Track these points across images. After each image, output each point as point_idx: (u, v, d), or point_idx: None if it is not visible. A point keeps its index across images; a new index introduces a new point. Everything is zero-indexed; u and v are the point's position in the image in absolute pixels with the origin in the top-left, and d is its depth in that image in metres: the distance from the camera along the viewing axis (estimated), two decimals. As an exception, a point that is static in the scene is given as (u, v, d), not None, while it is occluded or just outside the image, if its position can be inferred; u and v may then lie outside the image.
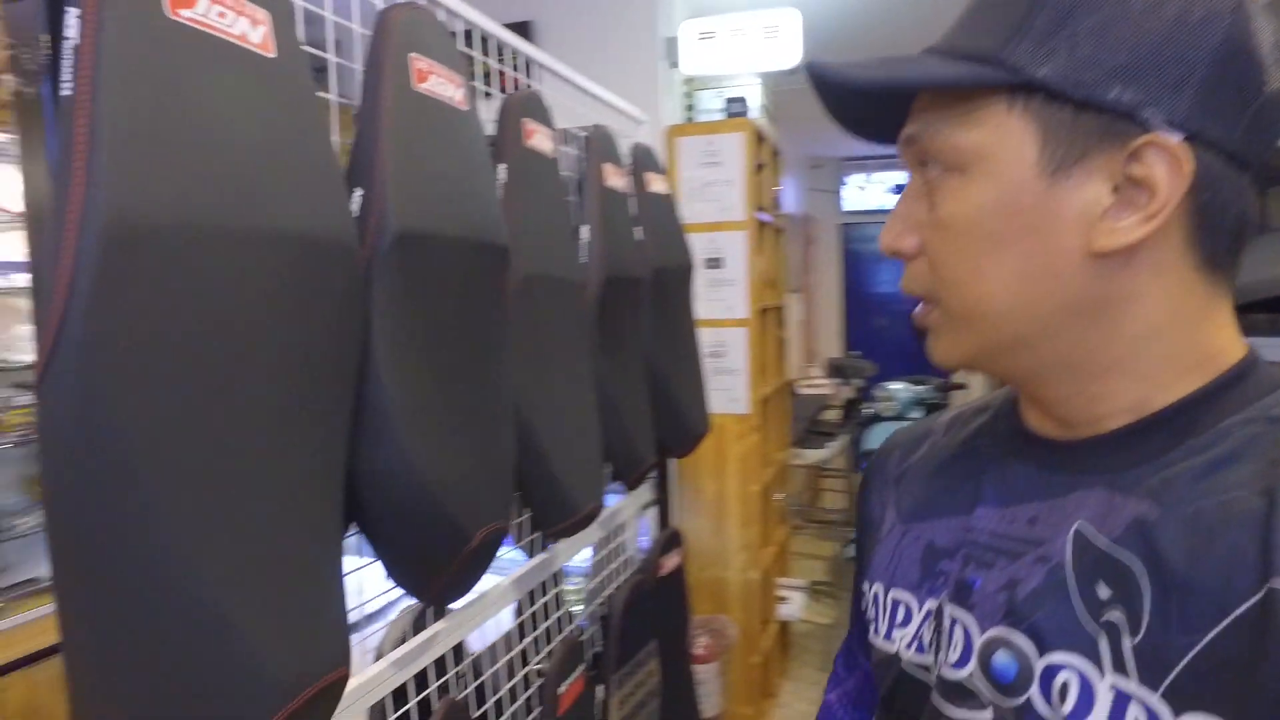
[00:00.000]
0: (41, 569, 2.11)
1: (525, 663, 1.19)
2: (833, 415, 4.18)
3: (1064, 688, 0.40)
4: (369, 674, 0.81)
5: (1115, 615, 0.39)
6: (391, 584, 0.79)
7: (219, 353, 0.52)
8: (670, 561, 1.63)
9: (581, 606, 1.48)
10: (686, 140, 2.32)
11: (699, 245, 2.30)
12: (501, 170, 1.02)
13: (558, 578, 1.31)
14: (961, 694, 0.45)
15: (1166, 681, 0.36)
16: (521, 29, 2.47)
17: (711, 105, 2.46)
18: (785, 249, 5.08)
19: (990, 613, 0.44)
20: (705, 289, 2.30)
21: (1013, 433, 0.50)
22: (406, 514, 0.74)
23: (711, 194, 2.29)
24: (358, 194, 0.71)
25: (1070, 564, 0.42)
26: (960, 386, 3.39)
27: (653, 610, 1.48)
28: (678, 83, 2.50)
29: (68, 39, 0.47)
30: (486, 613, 1.06)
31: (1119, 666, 0.38)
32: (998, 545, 0.46)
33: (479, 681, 1.05)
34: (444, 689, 0.96)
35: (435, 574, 0.78)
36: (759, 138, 2.45)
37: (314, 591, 0.59)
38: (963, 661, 0.45)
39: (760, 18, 2.33)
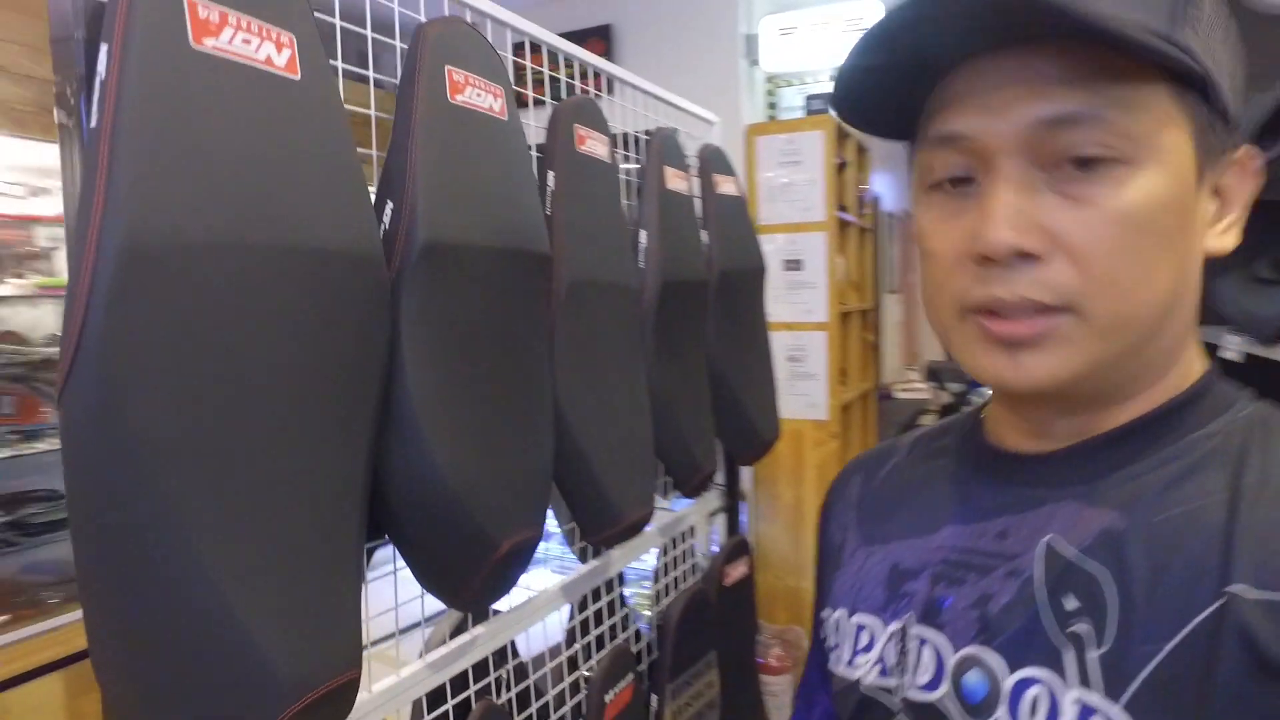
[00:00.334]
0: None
1: (576, 668, 1.20)
2: (930, 420, 3.99)
3: (1034, 703, 0.39)
4: (403, 675, 0.83)
5: (1082, 627, 0.39)
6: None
7: (235, 363, 0.54)
8: (736, 571, 1.59)
9: (649, 613, 1.47)
10: (765, 139, 2.28)
11: (778, 247, 2.25)
12: (550, 178, 1.03)
13: (612, 584, 1.31)
14: (931, 716, 0.44)
15: (1128, 693, 0.36)
16: (602, 32, 2.50)
17: (795, 103, 2.40)
18: (881, 248, 4.89)
19: (962, 631, 0.44)
20: (783, 291, 2.25)
21: (980, 451, 0.50)
22: (432, 521, 0.75)
23: (791, 194, 2.24)
24: (389, 207, 0.73)
25: (1041, 577, 0.41)
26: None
27: (714, 620, 1.46)
28: (759, 81, 2.46)
29: (99, 73, 0.50)
30: (532, 617, 1.07)
31: (1084, 679, 0.38)
32: (968, 561, 0.46)
33: (523, 685, 1.06)
34: (485, 692, 0.98)
35: (463, 581, 0.79)
36: (841, 135, 2.37)
37: (327, 595, 0.61)
38: (934, 684, 0.44)
39: (842, 10, 2.26)
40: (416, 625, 0.87)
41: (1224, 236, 0.42)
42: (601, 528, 1.05)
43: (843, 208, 2.46)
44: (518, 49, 1.14)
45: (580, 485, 1.02)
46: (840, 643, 0.52)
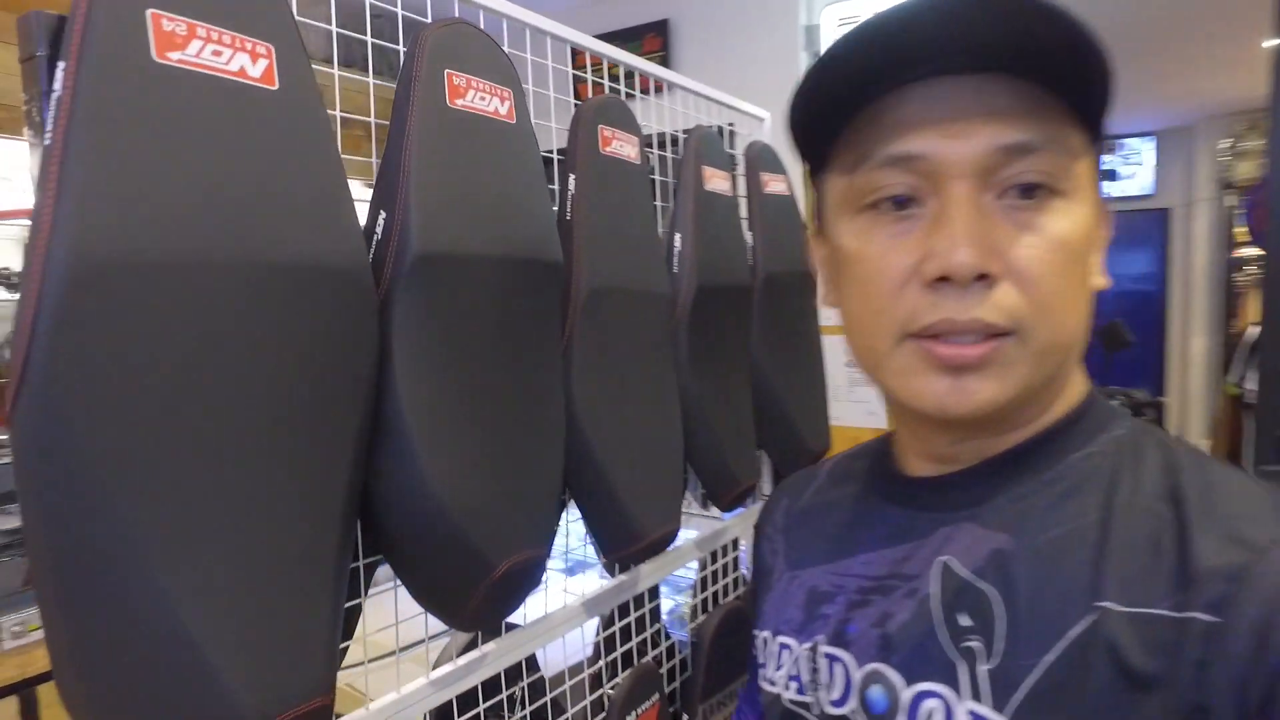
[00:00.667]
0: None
1: (601, 685, 1.16)
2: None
3: (930, 715, 0.41)
4: (404, 691, 0.81)
5: (974, 643, 0.41)
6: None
7: (193, 383, 0.53)
8: (779, 587, 1.53)
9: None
10: (825, 135, 2.18)
11: (837, 247, 2.16)
12: (571, 181, 0.99)
13: (642, 599, 1.27)
14: None
15: (1012, 705, 0.38)
16: (659, 27, 2.45)
17: (858, 96, 2.30)
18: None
19: (865, 649, 0.46)
20: (842, 294, 2.15)
21: (887, 477, 0.52)
22: (425, 540, 0.73)
23: (851, 192, 2.14)
24: (381, 217, 0.71)
25: (937, 596, 0.43)
26: (1152, 404, 2.93)
27: (753, 638, 1.40)
28: (822, 74, 2.36)
29: (54, 91, 0.49)
30: (551, 634, 1.04)
31: (975, 693, 0.40)
32: (873, 586, 0.48)
33: (539, 703, 1.04)
34: (496, 710, 0.96)
35: (459, 602, 0.76)
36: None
37: (297, 618, 0.59)
38: (843, 699, 0.47)
39: (909, -2, 2.14)
40: (420, 643, 0.85)
41: (1100, 276, 0.45)
42: (620, 546, 1.01)
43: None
44: (575, 56, 1.11)
45: (597, 501, 0.99)
46: (766, 661, 0.55)
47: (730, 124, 1.65)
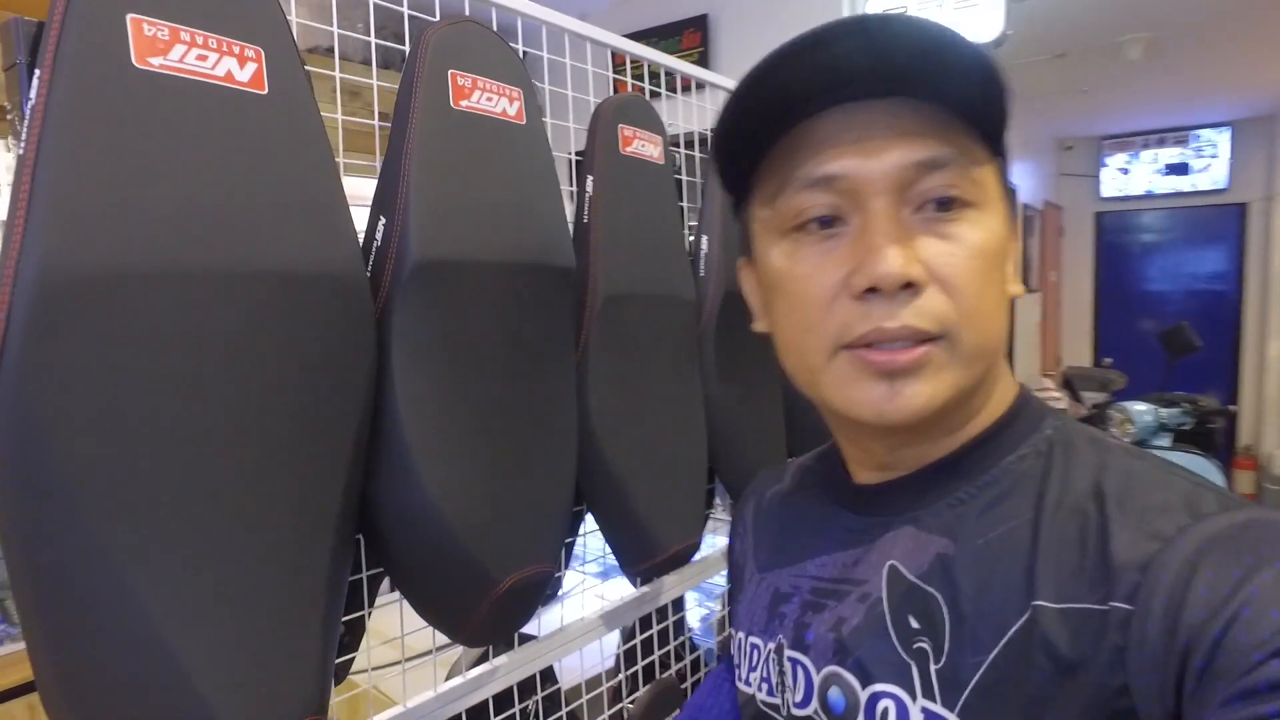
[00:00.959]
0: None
1: (621, 699, 1.13)
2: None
3: (884, 714, 0.43)
4: (409, 706, 0.80)
5: (924, 644, 0.43)
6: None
7: (172, 394, 0.52)
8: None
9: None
10: (868, 132, 2.11)
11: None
12: (589, 182, 0.97)
13: (666, 611, 1.24)
14: None
15: (960, 701, 0.40)
16: (699, 23, 2.41)
17: (904, 90, 2.22)
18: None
19: (823, 652, 0.48)
20: (886, 295, 2.08)
21: (838, 483, 0.54)
22: (425, 555, 0.71)
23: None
24: (381, 223, 0.70)
25: (886, 599, 0.45)
26: (1221, 412, 2.75)
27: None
28: (866, 68, 2.28)
29: (29, 100, 0.48)
30: (568, 647, 1.01)
31: (927, 691, 0.42)
32: (827, 589, 0.50)
33: (556, 717, 1.01)
34: (508, 723, 0.93)
35: (462, 618, 0.74)
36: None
37: (285, 635, 0.58)
38: (805, 701, 0.49)
39: (955, -13, 2.05)
40: (427, 654, 0.84)
41: (1016, 284, 0.47)
42: (639, 559, 0.98)
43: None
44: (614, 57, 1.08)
45: (614, 513, 0.96)
46: (740, 661, 0.56)
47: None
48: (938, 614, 0.43)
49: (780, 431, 1.36)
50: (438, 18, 0.77)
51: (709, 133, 1.28)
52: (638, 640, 1.17)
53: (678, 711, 1.12)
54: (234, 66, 0.57)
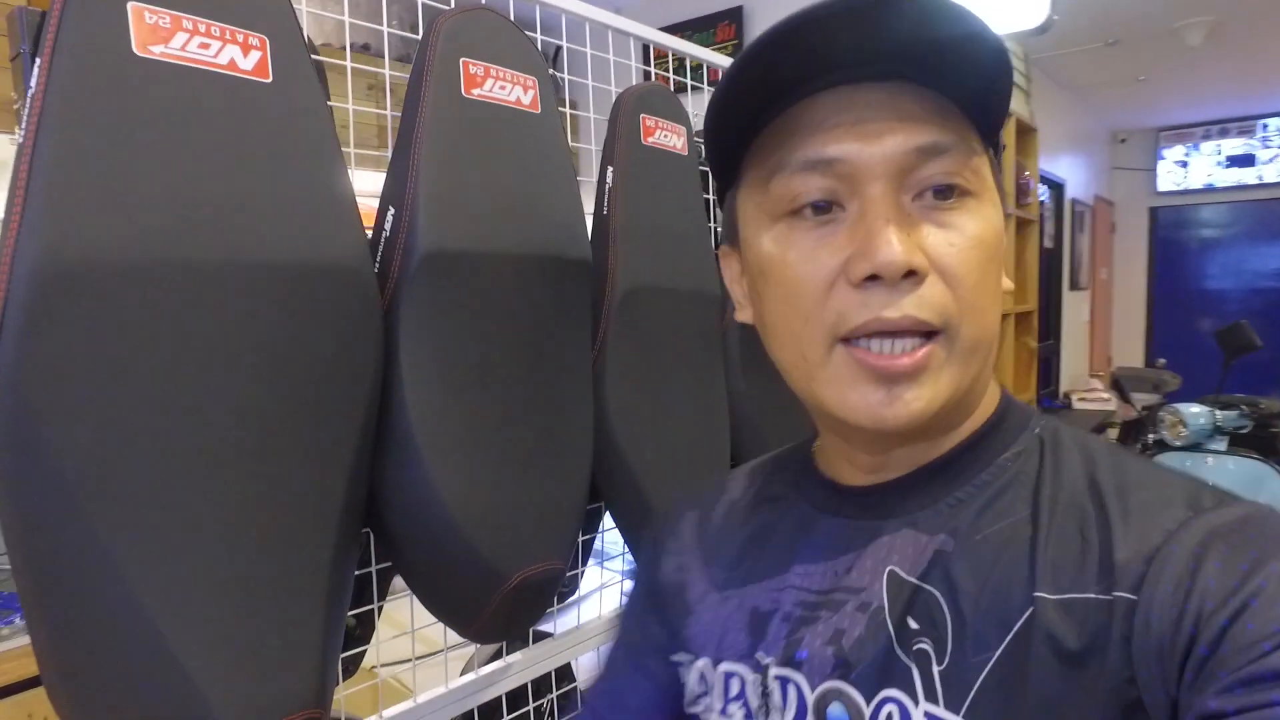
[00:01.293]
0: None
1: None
2: (1116, 436, 3.49)
3: (889, 719, 0.41)
4: (419, 701, 0.79)
5: (924, 645, 0.41)
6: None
7: (170, 384, 0.52)
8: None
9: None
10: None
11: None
12: (609, 174, 0.95)
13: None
14: None
15: (966, 702, 0.39)
16: (733, 15, 2.38)
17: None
18: (1059, 241, 4.34)
19: (820, 668, 0.45)
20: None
21: (819, 488, 0.51)
22: (433, 551, 0.70)
23: (935, 183, 2.00)
24: (390, 214, 0.69)
25: (887, 605, 0.43)
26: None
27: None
28: (906, 58, 2.22)
29: (30, 88, 0.48)
30: (584, 645, 1.00)
31: (930, 695, 0.40)
32: (820, 601, 0.47)
33: (570, 717, 1.00)
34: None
35: (471, 614, 0.73)
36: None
37: (283, 628, 0.57)
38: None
39: (998, -27, 1.98)
40: (439, 653, 0.83)
41: (1007, 279, 0.46)
42: (655, 556, 0.97)
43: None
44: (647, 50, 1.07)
45: (630, 510, 0.94)
46: (708, 691, 0.51)
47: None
48: (938, 613, 0.42)
49: (805, 422, 1.33)
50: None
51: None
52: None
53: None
54: (237, 55, 0.56)
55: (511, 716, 0.90)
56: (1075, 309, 4.78)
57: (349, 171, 0.64)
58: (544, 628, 0.96)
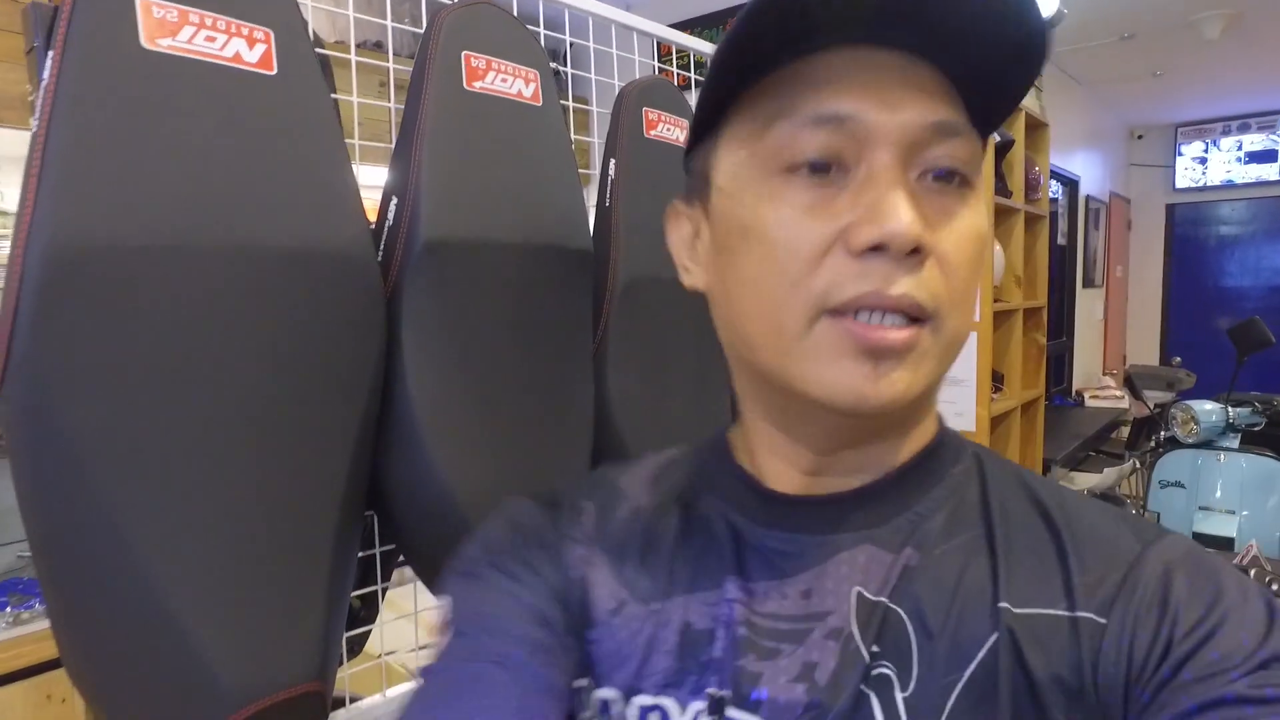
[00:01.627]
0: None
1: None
2: (1123, 435, 3.48)
3: None
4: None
5: (886, 670, 0.39)
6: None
7: (177, 364, 0.54)
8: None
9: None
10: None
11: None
12: (612, 166, 0.96)
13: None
14: None
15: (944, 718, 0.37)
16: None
17: (955, 75, 2.15)
18: (1073, 237, 4.31)
19: (789, 708, 0.39)
20: (931, 286, 2.02)
21: (747, 491, 0.46)
22: (437, 534, 0.72)
23: (943, 177, 2.00)
24: (393, 203, 0.70)
25: (858, 632, 0.40)
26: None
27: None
28: (916, 53, 2.22)
29: (43, 80, 0.50)
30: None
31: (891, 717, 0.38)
32: (778, 628, 0.41)
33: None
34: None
35: (470, 594, 0.75)
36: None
37: (288, 604, 0.59)
38: None
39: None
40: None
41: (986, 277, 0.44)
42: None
43: (1008, 192, 2.16)
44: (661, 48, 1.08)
45: (630, 497, 0.96)
46: None
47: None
48: (903, 635, 0.39)
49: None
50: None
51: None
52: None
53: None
54: (243, 47, 0.58)
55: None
56: (1089, 306, 4.75)
57: (354, 164, 0.66)
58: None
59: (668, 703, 0.41)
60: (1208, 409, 2.41)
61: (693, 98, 1.07)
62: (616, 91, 1.06)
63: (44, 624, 1.40)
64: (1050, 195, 4.08)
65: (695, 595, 0.43)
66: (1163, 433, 2.71)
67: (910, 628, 0.39)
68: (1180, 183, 5.45)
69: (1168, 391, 3.46)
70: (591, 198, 0.95)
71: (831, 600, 0.41)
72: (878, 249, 0.37)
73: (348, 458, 0.65)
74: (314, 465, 0.62)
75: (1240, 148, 5.26)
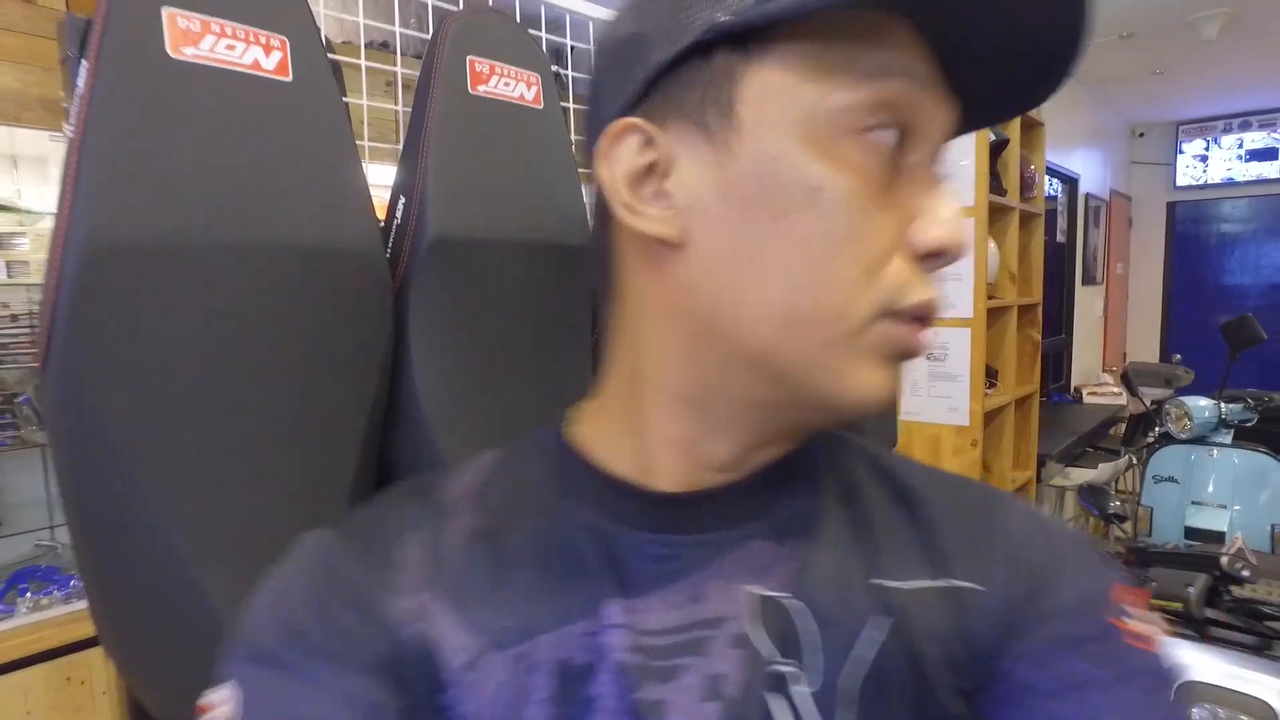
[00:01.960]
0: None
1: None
2: (1120, 430, 3.50)
3: None
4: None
5: (791, 668, 0.36)
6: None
7: (202, 353, 0.57)
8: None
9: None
10: (912, 117, 2.08)
11: (922, 234, 2.06)
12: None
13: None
14: None
15: (855, 707, 0.36)
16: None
17: (952, 75, 2.18)
18: (1071, 235, 4.33)
19: None
20: (927, 283, 2.06)
21: (620, 493, 0.40)
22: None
23: (939, 176, 2.03)
24: (401, 202, 0.74)
25: (757, 631, 0.37)
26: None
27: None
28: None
29: (77, 88, 0.54)
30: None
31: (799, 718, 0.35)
32: (672, 643, 0.37)
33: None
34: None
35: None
36: (1005, 108, 2.10)
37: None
38: None
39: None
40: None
41: None
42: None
43: (1003, 190, 2.20)
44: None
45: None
46: None
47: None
48: (801, 628, 0.37)
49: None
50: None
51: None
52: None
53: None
54: (260, 55, 0.62)
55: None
56: (1088, 304, 4.77)
57: (364, 164, 0.70)
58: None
59: None
60: (1201, 405, 2.45)
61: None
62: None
63: (63, 609, 1.45)
64: (1050, 193, 4.10)
65: (567, 627, 0.37)
66: (1158, 428, 2.74)
67: (807, 620, 0.37)
68: (1181, 180, 5.47)
69: (1166, 388, 3.49)
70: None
71: (723, 602, 0.37)
72: (938, 256, 0.34)
73: (358, 444, 0.68)
74: (326, 451, 0.66)
75: (1241, 145, 5.28)
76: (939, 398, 2.02)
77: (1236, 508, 2.29)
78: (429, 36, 0.87)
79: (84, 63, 0.54)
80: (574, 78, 1.08)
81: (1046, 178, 3.20)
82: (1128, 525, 2.42)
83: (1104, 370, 4.82)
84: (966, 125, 0.39)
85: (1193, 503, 2.36)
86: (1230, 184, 5.32)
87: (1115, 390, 4.05)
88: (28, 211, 1.71)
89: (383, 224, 0.73)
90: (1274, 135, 5.16)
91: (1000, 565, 0.39)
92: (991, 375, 2.26)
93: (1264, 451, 2.33)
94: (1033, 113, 2.40)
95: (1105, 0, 3.00)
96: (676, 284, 0.37)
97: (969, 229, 0.38)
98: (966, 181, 1.99)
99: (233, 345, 0.59)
